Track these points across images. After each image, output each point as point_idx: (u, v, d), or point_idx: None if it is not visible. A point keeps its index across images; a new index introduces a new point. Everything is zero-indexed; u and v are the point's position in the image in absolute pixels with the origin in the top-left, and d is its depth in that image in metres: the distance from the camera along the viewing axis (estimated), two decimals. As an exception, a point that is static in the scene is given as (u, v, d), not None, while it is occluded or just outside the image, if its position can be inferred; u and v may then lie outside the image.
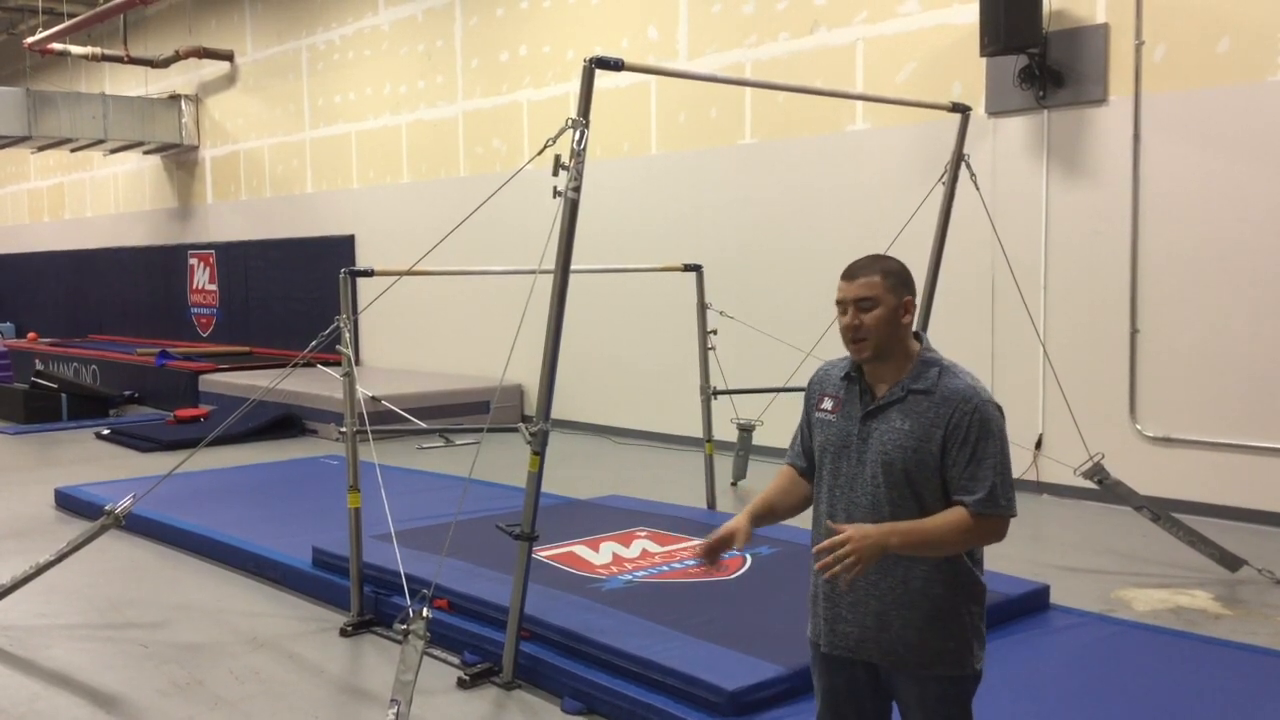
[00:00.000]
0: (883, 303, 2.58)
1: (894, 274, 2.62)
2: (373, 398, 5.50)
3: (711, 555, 2.70)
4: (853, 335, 2.60)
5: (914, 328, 2.67)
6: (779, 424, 7.86)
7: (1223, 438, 7.14)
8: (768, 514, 2.78)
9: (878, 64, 8.72)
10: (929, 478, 2.53)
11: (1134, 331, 7.49)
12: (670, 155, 10.35)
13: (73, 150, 18.40)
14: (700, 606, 4.87)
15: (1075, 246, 7.75)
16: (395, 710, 3.67)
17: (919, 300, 6.47)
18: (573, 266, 4.48)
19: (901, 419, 2.56)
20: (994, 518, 2.51)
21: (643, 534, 6.20)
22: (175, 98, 17.17)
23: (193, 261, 17.46)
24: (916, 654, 2.55)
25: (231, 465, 9.25)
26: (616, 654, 4.30)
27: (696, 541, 5.96)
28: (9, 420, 12.92)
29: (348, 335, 5.15)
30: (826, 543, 2.42)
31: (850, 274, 2.64)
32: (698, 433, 7.75)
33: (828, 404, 2.71)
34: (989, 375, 8.14)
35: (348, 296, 5.27)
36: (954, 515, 2.50)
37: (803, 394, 2.84)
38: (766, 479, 9.05)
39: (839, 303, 2.65)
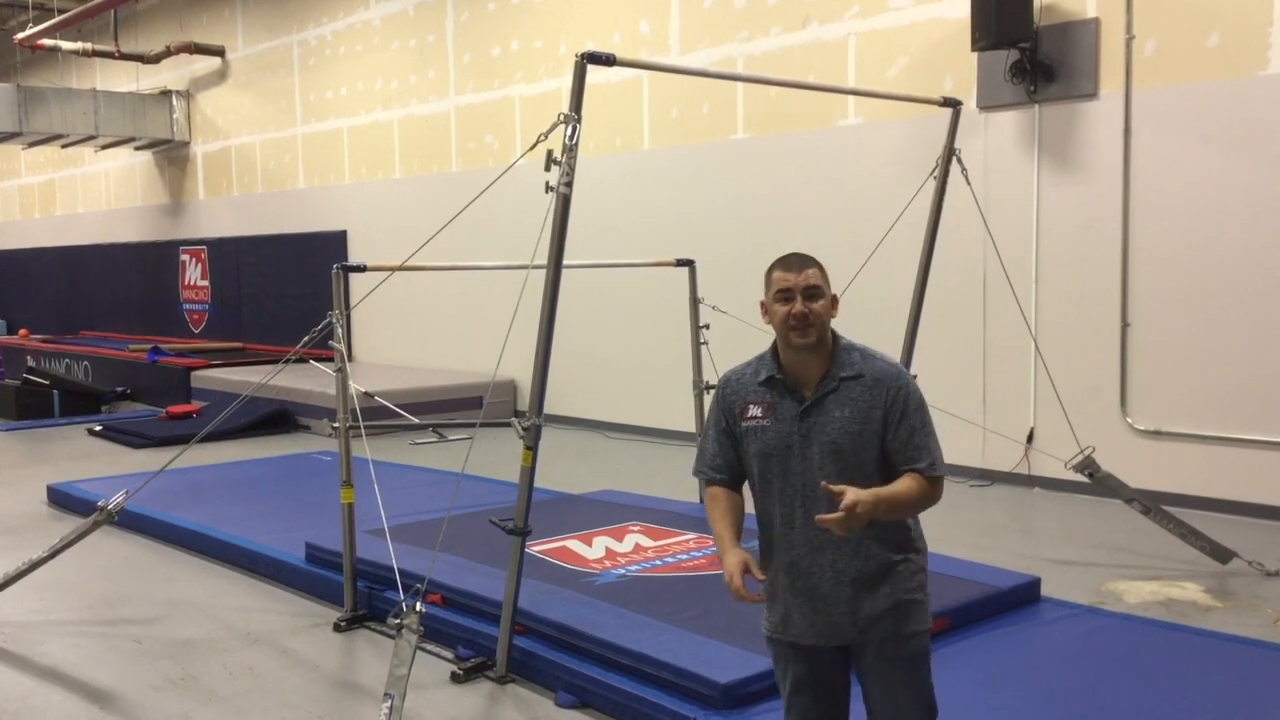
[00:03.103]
0: (824, 294, 2.74)
1: (823, 269, 2.78)
2: (365, 393, 5.50)
3: (747, 588, 2.65)
4: (800, 322, 2.70)
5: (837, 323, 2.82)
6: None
7: (1213, 431, 7.17)
8: (739, 536, 2.80)
9: (869, 59, 8.73)
10: (872, 454, 2.69)
11: (1125, 325, 7.52)
12: (663, 150, 10.35)
13: (64, 146, 18.34)
14: (693, 600, 4.88)
15: (1066, 241, 7.77)
16: (389, 705, 3.68)
17: (912, 294, 6.50)
18: (565, 262, 4.48)
19: (839, 408, 2.69)
20: (939, 480, 2.70)
21: (636, 528, 6.21)
22: (166, 93, 17.13)
23: (184, 257, 17.43)
24: (892, 619, 2.70)
25: (224, 461, 9.24)
26: (610, 648, 4.31)
27: (689, 535, 6.02)
28: (1, 417, 12.89)
29: (340, 331, 5.15)
30: (831, 518, 2.50)
31: (795, 265, 2.76)
32: (690, 427, 7.76)
33: (755, 410, 2.77)
34: (980, 369, 8.16)
35: (340, 292, 5.27)
36: (913, 482, 2.65)
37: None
38: (759, 473, 8.87)
39: (783, 291, 2.73)
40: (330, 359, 5.32)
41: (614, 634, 4.39)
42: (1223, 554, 5.90)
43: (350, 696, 4.49)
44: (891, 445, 2.68)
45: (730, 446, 2.83)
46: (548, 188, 4.35)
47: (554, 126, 4.34)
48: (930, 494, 2.67)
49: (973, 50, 7.76)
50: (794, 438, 2.71)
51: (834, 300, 2.76)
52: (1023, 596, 5.20)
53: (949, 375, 8.19)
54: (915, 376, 2.71)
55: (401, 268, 5.40)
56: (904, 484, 2.64)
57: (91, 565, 6.30)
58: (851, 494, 2.49)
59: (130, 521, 6.83)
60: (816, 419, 2.69)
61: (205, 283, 17.00)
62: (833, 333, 2.77)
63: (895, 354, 6.19)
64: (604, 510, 6.71)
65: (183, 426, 11.15)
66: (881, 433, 2.68)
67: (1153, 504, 6.06)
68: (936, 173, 6.58)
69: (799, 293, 2.71)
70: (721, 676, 3.98)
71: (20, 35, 17.07)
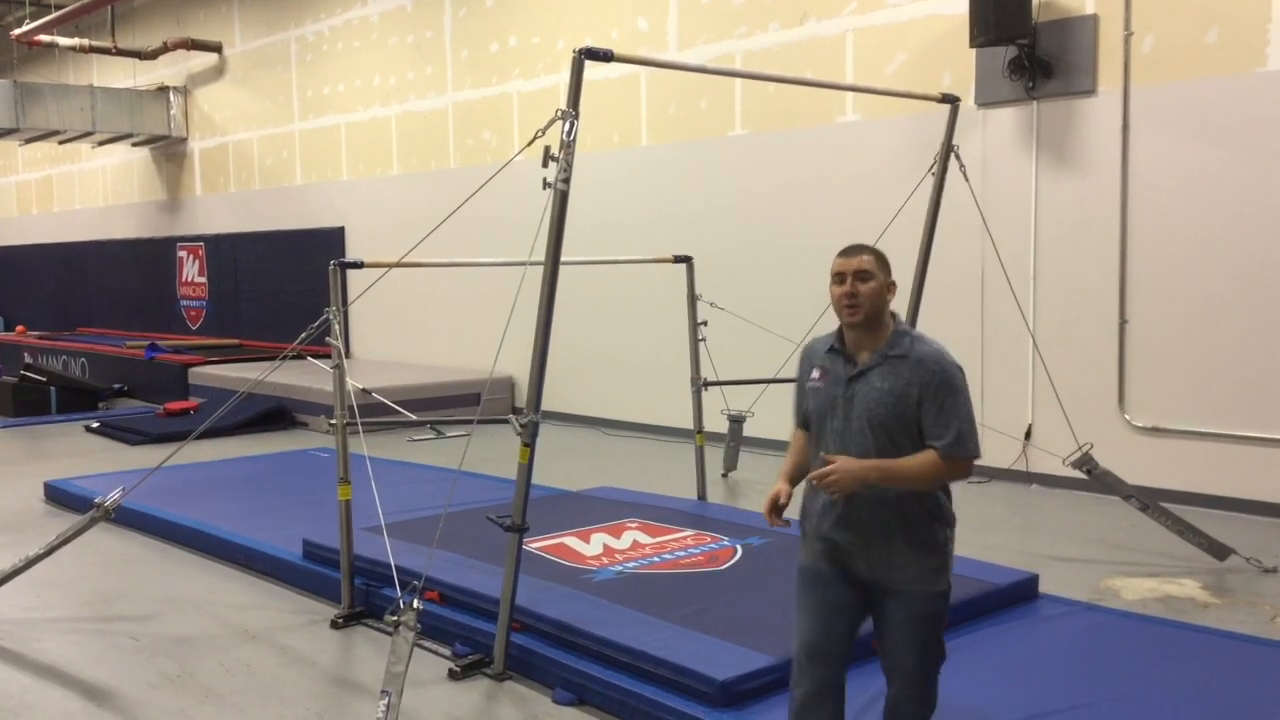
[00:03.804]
0: (875, 277, 3.08)
1: (882, 259, 3.14)
2: (363, 390, 5.49)
3: (776, 514, 3.16)
4: (849, 301, 3.07)
5: (893, 312, 3.15)
6: (770, 415, 7.90)
7: (1211, 427, 7.18)
8: (799, 474, 3.26)
9: (868, 55, 8.72)
10: (907, 427, 3.01)
11: (1123, 322, 7.52)
12: (660, 147, 10.34)
13: (61, 142, 18.33)
14: (691, 597, 4.88)
15: (1065, 237, 7.77)
16: (386, 702, 3.67)
17: (909, 291, 6.50)
18: (563, 258, 4.47)
19: (881, 380, 3.04)
20: (959, 459, 2.99)
21: (633, 525, 6.21)
22: (164, 89, 17.10)
23: (182, 254, 17.41)
24: (905, 573, 3.05)
25: (221, 458, 9.24)
26: (607, 645, 4.30)
27: (687, 532, 6.02)
28: (-2, 413, 12.88)
29: (337, 327, 5.14)
30: (817, 472, 2.99)
31: (850, 252, 3.13)
32: (688, 424, 7.76)
33: (816, 374, 3.19)
34: (978, 365, 8.16)
35: (337, 288, 5.26)
36: (925, 456, 2.99)
37: (794, 382, 3.31)
38: (757, 470, 9.09)
39: (838, 274, 3.11)
40: (328, 355, 5.31)
41: (612, 631, 4.39)
42: (1220, 550, 5.90)
43: (347, 693, 4.49)
44: (923, 422, 3.00)
45: (802, 400, 3.26)
46: (545, 184, 4.34)
47: (551, 122, 4.34)
48: (945, 470, 2.98)
49: (971, 46, 7.75)
50: (839, 401, 3.08)
51: (890, 286, 3.11)
52: (1021, 593, 5.20)
53: (947, 372, 8.19)
54: (961, 369, 3.03)
55: (399, 264, 5.39)
56: (915, 458, 2.98)
57: (88, 562, 6.29)
58: (840, 462, 2.96)
59: (127, 518, 6.82)
60: (860, 388, 3.05)
61: (203, 279, 16.99)
62: (894, 315, 3.12)
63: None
64: (602, 507, 6.70)
65: (180, 423, 11.14)
66: (916, 409, 2.99)
67: (1150, 500, 6.06)
68: (935, 169, 6.58)
69: (850, 275, 3.07)
70: (719, 673, 3.97)
71: (17, 31, 17.04)
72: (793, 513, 3.22)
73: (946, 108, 6.55)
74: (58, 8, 16.75)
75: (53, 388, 13.47)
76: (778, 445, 8.73)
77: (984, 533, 6.66)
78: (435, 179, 12.65)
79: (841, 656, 3.17)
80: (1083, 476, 6.23)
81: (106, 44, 16.97)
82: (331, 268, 5.29)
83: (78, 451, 10.18)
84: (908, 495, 3.03)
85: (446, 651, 4.75)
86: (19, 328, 19.76)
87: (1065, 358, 7.63)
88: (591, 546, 5.75)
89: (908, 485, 3.00)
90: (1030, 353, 7.75)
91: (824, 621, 3.15)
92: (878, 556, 3.06)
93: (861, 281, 3.06)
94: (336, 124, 14.11)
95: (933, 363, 3.00)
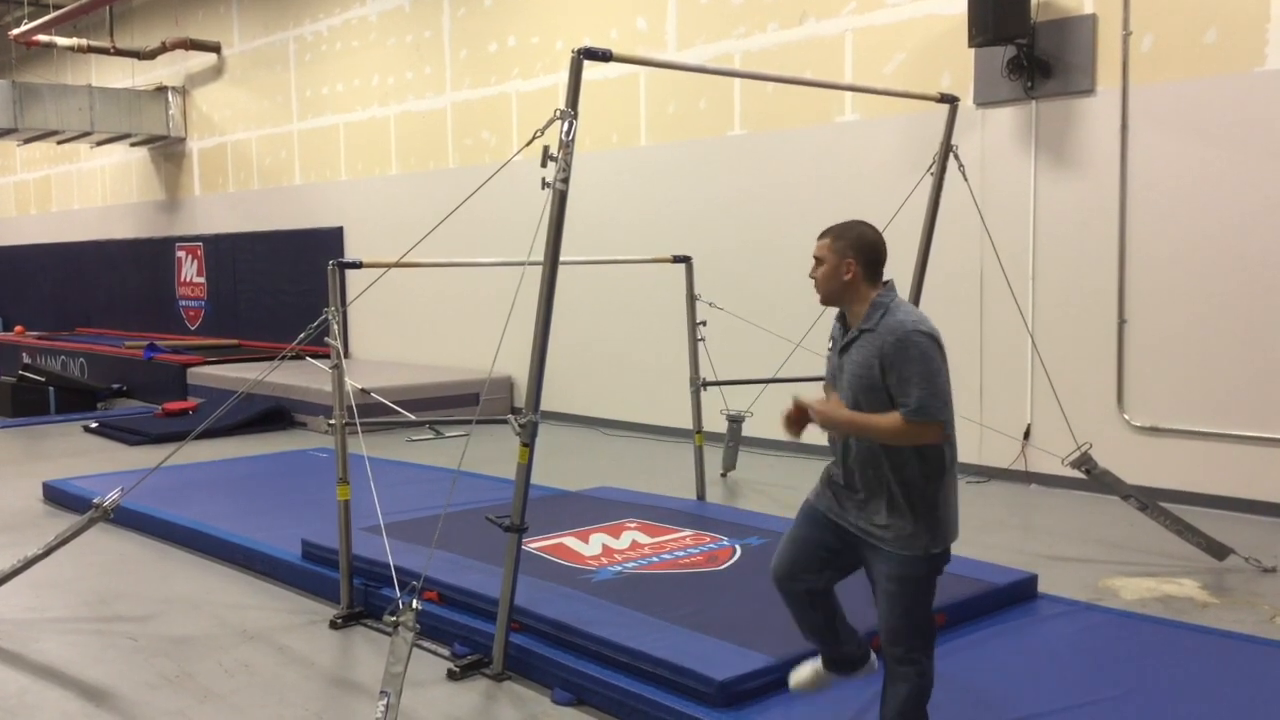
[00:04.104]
0: (826, 262, 3.34)
1: (842, 239, 3.35)
2: (362, 390, 5.49)
3: (791, 424, 3.31)
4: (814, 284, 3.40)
5: (888, 282, 3.35)
6: (769, 415, 7.87)
7: (1210, 427, 7.18)
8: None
9: (866, 55, 8.72)
10: (879, 397, 3.20)
11: (1122, 321, 7.52)
12: (659, 147, 10.34)
13: (59, 142, 18.32)
14: (690, 597, 4.88)
15: (1063, 237, 7.77)
16: (385, 702, 3.67)
17: (909, 291, 6.50)
18: (562, 258, 4.47)
19: (858, 353, 3.26)
20: (922, 424, 3.13)
21: (633, 525, 6.21)
22: (162, 89, 17.09)
23: (180, 254, 17.40)
24: (886, 532, 3.23)
25: (220, 458, 9.23)
26: (606, 645, 4.30)
27: (686, 532, 6.01)
28: (-4, 414, 12.88)
29: (336, 327, 5.13)
30: (810, 402, 3.28)
31: (820, 236, 3.40)
32: (687, 424, 7.76)
33: (829, 343, 3.46)
34: (977, 365, 8.17)
35: (336, 288, 5.26)
36: (890, 417, 3.16)
37: (793, 384, 3.63)
38: (757, 470, 9.07)
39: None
40: (326, 355, 5.31)
41: (611, 631, 4.38)
42: (1219, 550, 5.90)
43: (346, 694, 4.48)
44: (890, 390, 3.17)
45: (826, 364, 3.53)
46: (544, 184, 4.34)
47: (550, 122, 4.33)
48: (910, 432, 3.13)
49: (970, 46, 7.75)
50: (835, 369, 3.37)
51: (846, 266, 3.30)
52: (1020, 593, 5.20)
53: (946, 372, 8.19)
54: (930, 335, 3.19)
55: (398, 264, 5.38)
56: (883, 416, 3.17)
57: (87, 562, 6.28)
58: (830, 401, 3.31)
59: (126, 518, 6.82)
60: (844, 360, 3.31)
61: (201, 279, 16.98)
62: (886, 286, 3.32)
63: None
64: (601, 507, 6.70)
65: (178, 423, 11.13)
66: (883, 380, 3.18)
67: (1149, 500, 6.06)
68: (933, 169, 6.58)
69: (814, 260, 3.38)
70: (718, 673, 3.97)
71: (15, 31, 17.02)
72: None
73: (945, 107, 6.55)
74: (56, 8, 16.74)
75: (51, 388, 13.48)
76: (777, 445, 8.74)
77: (983, 532, 6.66)
78: (434, 179, 12.64)
79: (807, 586, 3.46)
80: (1082, 476, 6.23)
81: (105, 44, 16.96)
82: (330, 268, 5.28)
83: (76, 452, 10.18)
84: (893, 458, 3.19)
85: (445, 652, 4.74)
86: (18, 328, 19.75)
87: (1064, 357, 7.63)
88: (590, 547, 5.75)
89: (876, 439, 3.19)
90: (1029, 352, 7.75)
91: (794, 553, 3.47)
92: (863, 510, 3.28)
93: (817, 266, 3.35)
94: (335, 124, 14.11)
95: (890, 333, 3.18)
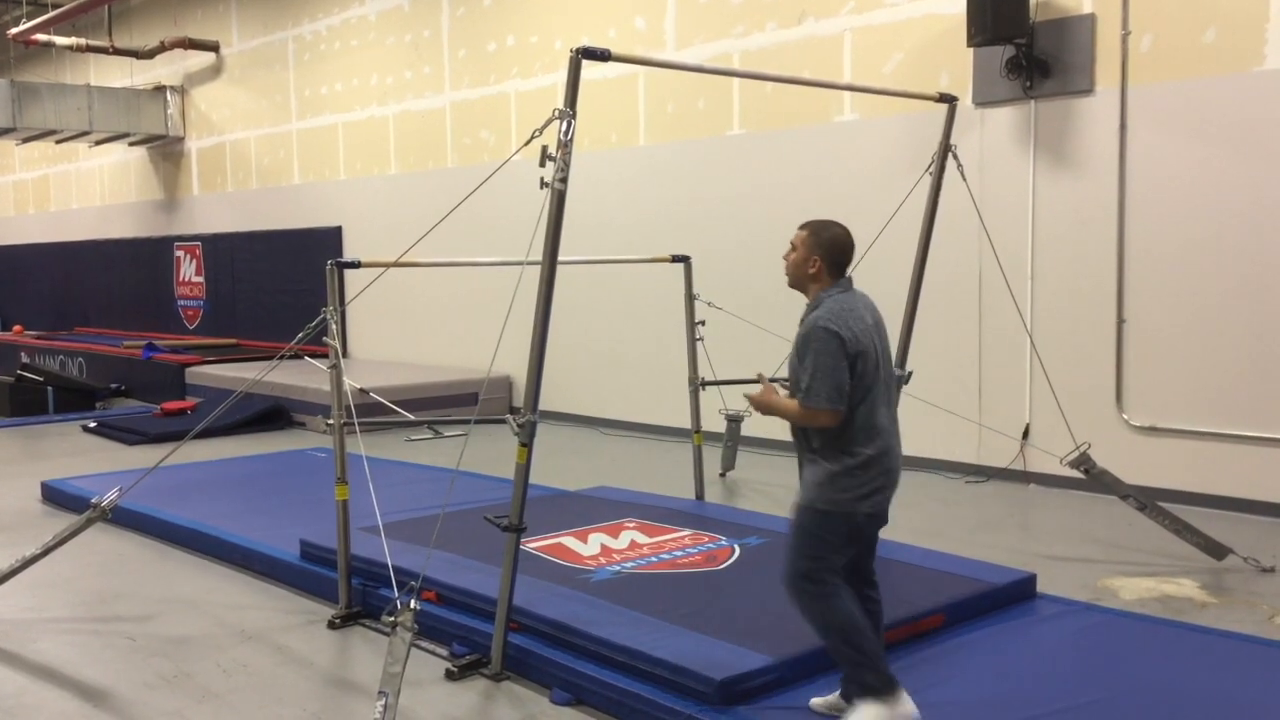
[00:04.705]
0: (798, 252, 3.77)
1: (816, 236, 3.77)
2: (360, 389, 5.49)
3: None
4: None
5: (845, 282, 3.78)
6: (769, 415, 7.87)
7: (1209, 427, 7.18)
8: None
9: (865, 54, 8.72)
10: (796, 379, 3.64)
11: (1120, 321, 7.52)
12: (658, 146, 10.34)
13: (58, 142, 18.30)
14: (688, 597, 4.87)
15: (1062, 236, 7.77)
16: (383, 702, 3.67)
17: (908, 290, 6.50)
18: (561, 258, 4.47)
19: (795, 339, 3.68)
20: (810, 409, 3.57)
21: (631, 525, 6.21)
22: (160, 89, 17.08)
23: (179, 254, 17.40)
24: (801, 487, 3.72)
25: (219, 458, 9.23)
26: (605, 645, 4.30)
27: (685, 532, 6.01)
28: (-5, 413, 12.86)
29: (335, 327, 5.13)
30: (754, 391, 3.78)
31: (800, 226, 3.82)
32: (686, 424, 7.75)
33: None
34: (976, 365, 8.16)
35: (335, 288, 5.25)
36: (794, 401, 3.64)
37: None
38: (755, 469, 9.07)
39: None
40: (325, 355, 5.30)
41: (609, 631, 4.38)
42: (1218, 550, 5.90)
43: (345, 694, 4.48)
44: (796, 375, 3.63)
45: None
46: (543, 183, 4.33)
47: (549, 122, 4.33)
48: (803, 415, 3.60)
49: (968, 46, 7.75)
50: None
51: (812, 260, 3.73)
52: (1018, 593, 5.20)
53: (945, 371, 8.20)
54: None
55: (396, 264, 5.38)
56: (789, 400, 3.67)
57: (85, 562, 6.28)
58: (753, 393, 3.75)
59: (124, 518, 6.81)
60: None
61: (200, 279, 16.97)
62: (841, 284, 3.74)
63: (890, 349, 6.18)
64: (599, 507, 6.70)
65: (177, 423, 11.12)
66: (797, 364, 3.64)
67: (1148, 500, 6.06)
68: (932, 169, 6.57)
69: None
70: (717, 673, 3.96)
71: (14, 31, 17.02)
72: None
73: (944, 107, 6.55)
74: (54, 7, 16.73)
75: (50, 387, 13.46)
76: (775, 445, 8.73)
77: (981, 532, 6.66)
78: (433, 178, 12.64)
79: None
80: (1080, 476, 6.23)
81: (103, 43, 16.95)
82: (329, 267, 5.28)
83: (75, 451, 10.17)
84: (803, 433, 3.68)
85: (444, 652, 4.74)
86: (16, 327, 19.75)
87: (1063, 357, 7.63)
88: (589, 546, 5.75)
89: (786, 419, 3.69)
90: (1028, 352, 7.75)
91: None
92: (799, 473, 3.76)
93: (790, 252, 3.79)
94: (334, 123, 14.10)
95: (804, 326, 3.64)
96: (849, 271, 3.81)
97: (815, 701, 3.91)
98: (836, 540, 3.63)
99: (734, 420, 8.20)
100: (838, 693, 3.84)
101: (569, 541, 5.82)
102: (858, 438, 3.60)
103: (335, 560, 5.35)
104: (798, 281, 3.79)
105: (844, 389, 3.53)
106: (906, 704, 3.63)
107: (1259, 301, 6.94)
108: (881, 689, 3.59)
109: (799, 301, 3.87)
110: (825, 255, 3.71)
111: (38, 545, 5.31)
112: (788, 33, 9.21)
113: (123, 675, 4.65)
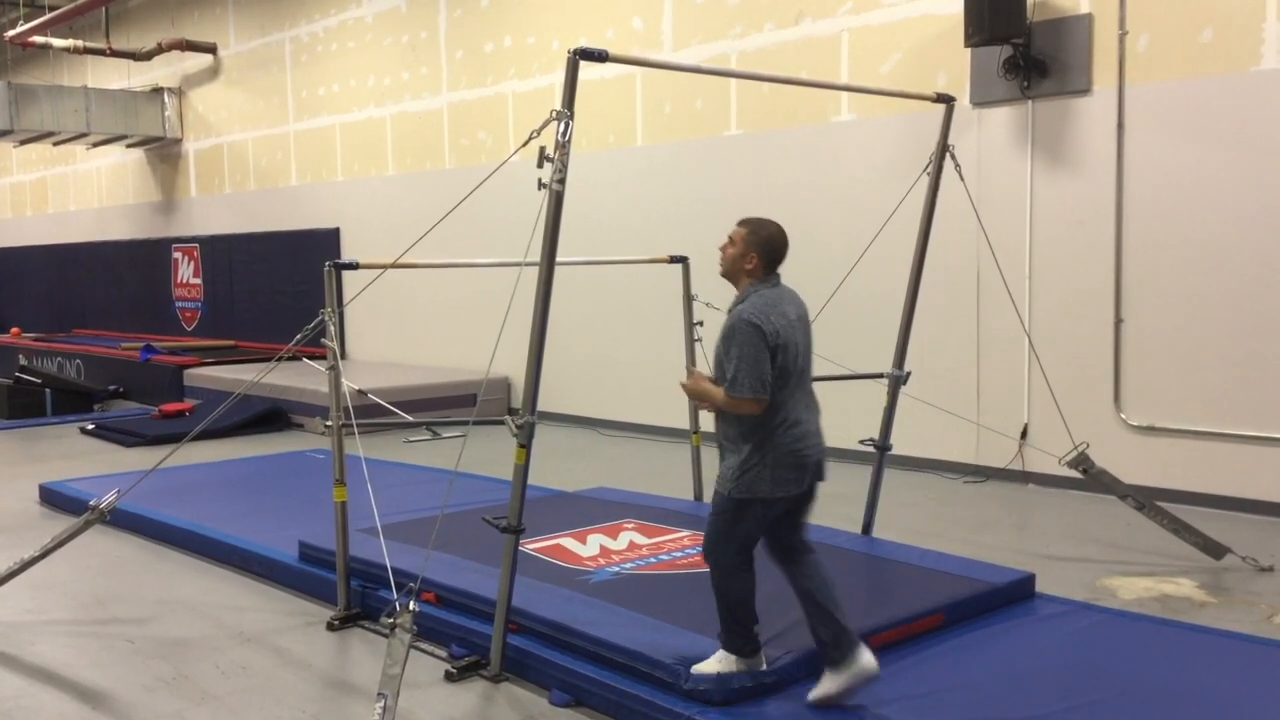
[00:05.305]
0: (735, 245, 4.01)
1: (755, 234, 4.03)
2: (359, 391, 5.48)
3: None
4: None
5: (773, 278, 4.02)
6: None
7: (1207, 426, 7.18)
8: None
9: (863, 55, 8.72)
10: (721, 368, 3.83)
11: (1118, 321, 7.52)
12: (656, 147, 10.34)
13: (55, 144, 18.28)
14: (688, 598, 4.87)
15: (1060, 236, 7.77)
16: (382, 704, 3.67)
17: (905, 290, 6.49)
18: (559, 258, 4.47)
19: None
20: (733, 398, 3.78)
21: (630, 526, 6.21)
22: (158, 91, 17.07)
23: (177, 255, 17.39)
24: (719, 475, 3.92)
25: (217, 459, 9.22)
26: (604, 646, 4.30)
27: (684, 533, 6.01)
28: (-8, 416, 12.84)
29: (333, 328, 5.12)
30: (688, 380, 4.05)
31: (740, 223, 4.08)
32: (684, 425, 7.75)
33: None
34: (974, 365, 8.17)
35: (333, 289, 5.25)
36: (719, 389, 3.82)
37: None
38: (753, 470, 8.78)
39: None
40: (323, 357, 5.30)
41: (608, 632, 4.38)
42: (1216, 550, 5.91)
43: (344, 696, 4.48)
44: (722, 365, 3.82)
45: None
46: (541, 184, 4.33)
47: (547, 123, 4.32)
48: (729, 403, 3.81)
49: (966, 46, 7.76)
50: None
51: (749, 258, 3.97)
52: (1017, 593, 5.20)
53: (943, 371, 8.20)
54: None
55: (394, 265, 5.38)
56: (716, 388, 3.84)
57: (84, 564, 6.27)
58: (691, 378, 4.00)
59: (122, 520, 6.81)
60: None
61: (198, 280, 16.96)
62: (769, 280, 3.99)
63: (888, 349, 6.20)
64: (598, 508, 6.70)
65: (175, 425, 11.12)
66: (723, 354, 3.84)
67: (1146, 500, 6.07)
68: (930, 169, 6.57)
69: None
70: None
71: (11, 33, 17.00)
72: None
73: (941, 107, 6.54)
74: (52, 9, 16.72)
75: (48, 389, 13.44)
76: (774, 445, 8.72)
77: (980, 532, 6.66)
78: (430, 180, 12.64)
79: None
80: (1079, 476, 6.23)
81: (101, 45, 16.94)
82: (327, 269, 5.28)
83: (73, 454, 10.17)
84: (724, 419, 3.87)
85: (443, 653, 4.74)
86: (14, 329, 19.71)
87: (1061, 357, 7.63)
88: (588, 547, 5.75)
89: (714, 408, 3.89)
90: (1026, 352, 7.76)
91: None
92: (720, 457, 3.94)
93: (729, 245, 4.01)
94: (331, 125, 14.10)
95: (728, 318, 3.86)
96: (779, 269, 4.08)
97: (812, 696, 3.91)
98: (751, 525, 3.90)
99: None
100: (825, 673, 3.91)
101: (568, 542, 5.82)
102: (776, 428, 3.82)
103: (334, 562, 5.35)
104: (732, 274, 4.03)
105: (766, 379, 3.75)
106: (866, 658, 3.86)
107: (1257, 301, 6.95)
108: (744, 649, 4.00)
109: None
110: (761, 252, 3.96)
111: (36, 548, 5.30)
112: (785, 33, 9.22)
113: (121, 677, 4.64)
